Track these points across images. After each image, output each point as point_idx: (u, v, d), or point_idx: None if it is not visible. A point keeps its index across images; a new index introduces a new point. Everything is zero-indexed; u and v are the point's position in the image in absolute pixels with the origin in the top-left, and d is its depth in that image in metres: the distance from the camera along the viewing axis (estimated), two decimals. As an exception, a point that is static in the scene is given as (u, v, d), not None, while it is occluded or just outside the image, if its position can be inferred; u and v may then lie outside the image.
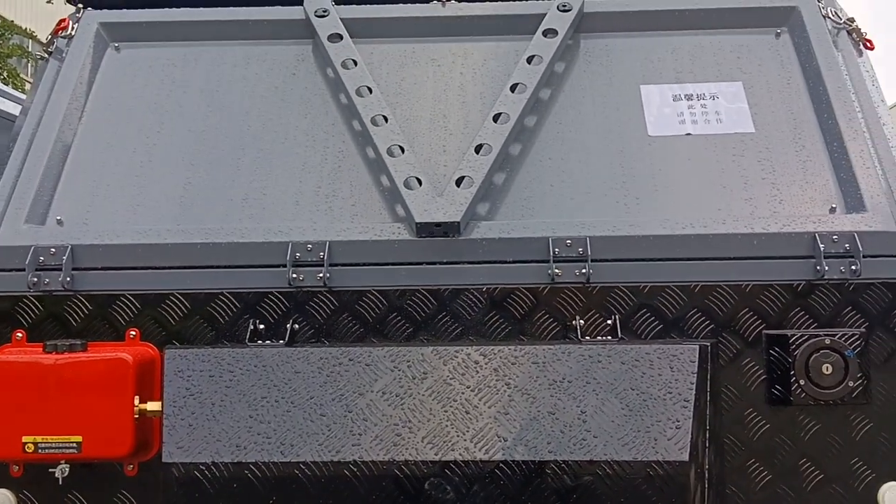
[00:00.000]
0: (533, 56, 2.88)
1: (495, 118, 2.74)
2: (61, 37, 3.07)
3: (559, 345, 2.27)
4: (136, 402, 2.35)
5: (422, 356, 2.25)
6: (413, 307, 2.53)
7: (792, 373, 2.40)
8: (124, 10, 3.14)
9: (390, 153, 2.66)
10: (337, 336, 2.52)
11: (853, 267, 2.46)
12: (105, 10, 3.14)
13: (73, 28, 3.08)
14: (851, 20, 3.04)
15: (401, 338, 2.51)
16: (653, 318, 2.50)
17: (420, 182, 2.59)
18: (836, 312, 2.48)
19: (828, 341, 2.41)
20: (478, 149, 2.66)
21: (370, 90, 2.83)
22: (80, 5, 3.15)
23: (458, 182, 2.59)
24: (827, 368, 2.39)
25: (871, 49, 3.09)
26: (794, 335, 2.43)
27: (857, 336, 2.42)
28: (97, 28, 3.09)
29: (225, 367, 2.25)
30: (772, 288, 2.49)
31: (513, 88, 2.80)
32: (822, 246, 2.47)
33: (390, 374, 2.24)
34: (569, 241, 2.51)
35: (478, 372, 2.24)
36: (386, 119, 2.75)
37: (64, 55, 3.02)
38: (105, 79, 3.02)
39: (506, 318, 2.52)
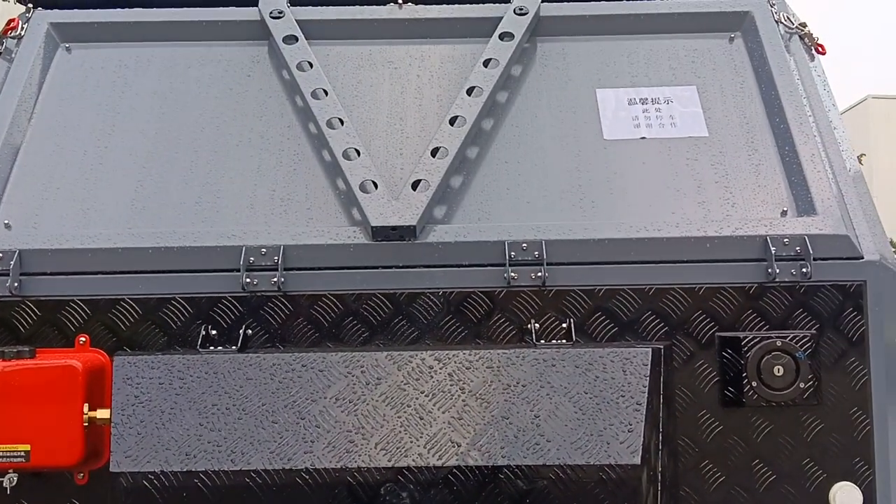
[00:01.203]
0: (489, 59, 2.88)
1: (452, 121, 2.73)
2: (10, 37, 3.01)
3: (514, 349, 2.27)
4: (86, 409, 2.31)
5: (376, 361, 2.24)
6: (369, 311, 2.51)
7: (744, 374, 2.42)
8: (75, 11, 3.09)
9: (346, 156, 2.65)
10: (292, 341, 2.50)
11: (804, 270, 2.49)
12: (56, 10, 3.09)
13: (22, 28, 3.02)
14: (803, 25, 3.08)
15: (357, 342, 2.50)
16: (607, 320, 2.51)
17: (376, 185, 2.58)
18: (787, 314, 2.51)
19: (779, 343, 2.44)
20: (434, 152, 2.66)
21: (326, 92, 2.81)
22: (30, 5, 3.10)
23: (414, 185, 2.59)
24: (778, 370, 2.42)
25: (823, 53, 3.14)
26: (746, 337, 2.45)
27: (807, 338, 2.45)
28: (47, 28, 3.03)
29: (175, 374, 2.22)
30: (724, 290, 2.52)
31: (469, 91, 2.80)
32: (773, 249, 2.50)
33: (343, 379, 2.22)
34: (524, 245, 2.52)
35: (432, 377, 2.23)
36: (342, 122, 2.73)
37: (13, 56, 2.97)
38: (55, 80, 2.97)
39: (462, 322, 2.51)
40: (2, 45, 3.01)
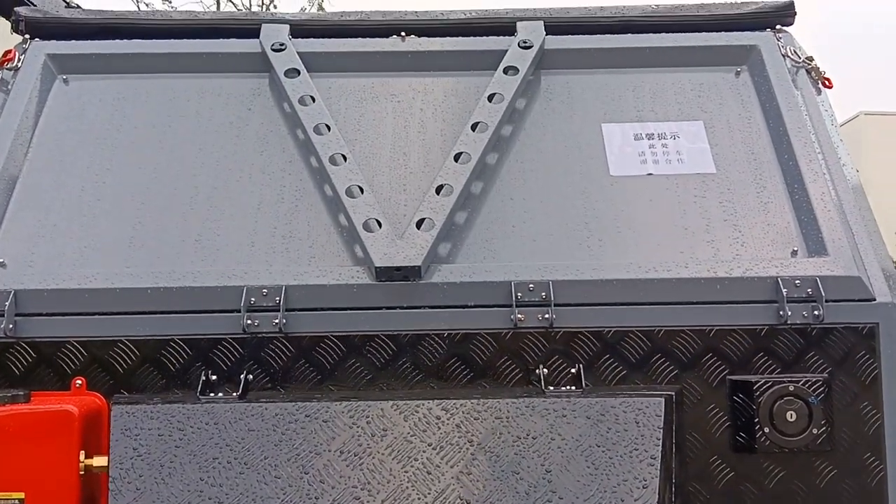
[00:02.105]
0: (494, 94, 2.84)
1: (456, 158, 2.69)
2: (7, 68, 2.96)
3: (523, 398, 2.22)
4: (82, 457, 2.25)
5: (381, 411, 2.18)
6: (372, 353, 2.46)
7: (756, 420, 2.37)
8: (73, 42, 3.04)
9: (349, 193, 2.60)
10: (294, 383, 2.44)
11: (816, 312, 2.45)
12: (53, 42, 3.04)
13: (19, 59, 2.97)
14: (810, 59, 3.04)
15: (360, 385, 2.44)
16: (616, 363, 2.46)
17: (380, 224, 2.53)
18: (799, 357, 2.47)
19: (791, 388, 2.39)
20: (438, 189, 2.61)
21: (328, 127, 2.76)
22: (27, 36, 3.05)
23: (419, 224, 2.54)
24: (791, 416, 2.37)
25: (830, 87, 3.10)
26: (757, 381, 2.40)
27: (820, 382, 2.40)
28: (45, 60, 2.98)
29: (175, 424, 2.16)
30: (735, 332, 2.47)
31: (474, 127, 2.76)
32: (784, 291, 2.45)
33: (348, 430, 2.16)
34: (531, 286, 2.47)
35: (439, 428, 2.18)
36: (345, 158, 2.69)
37: (10, 88, 2.91)
38: (52, 112, 2.91)
39: (468, 364, 2.46)
40: None
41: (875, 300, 2.49)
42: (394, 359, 2.46)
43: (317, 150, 2.71)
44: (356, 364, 2.45)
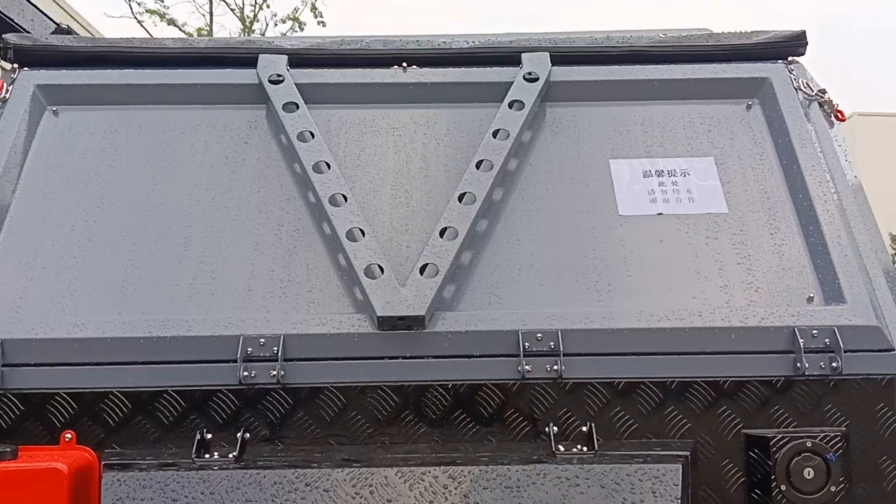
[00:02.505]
0: (499, 130, 2.75)
1: (460, 198, 2.60)
2: None
3: (533, 464, 2.13)
4: (72, 518, 2.15)
5: (385, 479, 2.10)
6: (374, 405, 2.37)
7: (773, 477, 2.29)
8: (63, 71, 2.94)
9: (350, 237, 2.50)
10: (293, 436, 2.35)
11: (833, 364, 2.36)
12: (42, 71, 2.93)
13: (7, 90, 2.87)
14: (823, 91, 2.96)
15: (361, 438, 2.35)
16: (627, 416, 2.37)
17: (382, 269, 2.44)
18: (816, 408, 2.39)
19: (809, 444, 2.31)
20: (442, 232, 2.52)
21: (328, 165, 2.67)
22: (16, 65, 2.94)
23: (422, 269, 2.45)
24: (808, 473, 2.29)
25: (843, 120, 3.02)
26: (774, 437, 2.32)
27: (838, 437, 2.32)
28: (34, 91, 2.88)
29: (169, 494, 2.07)
30: (750, 384, 2.39)
31: (478, 165, 2.67)
32: (801, 341, 2.37)
33: (351, 501, 2.07)
34: (539, 335, 2.38)
35: (446, 498, 2.09)
36: (345, 198, 2.59)
37: None
38: (42, 146, 2.81)
39: (473, 417, 2.37)
40: None
41: (894, 350, 2.40)
42: (396, 411, 2.37)
43: (316, 189, 2.62)
44: (357, 417, 2.36)
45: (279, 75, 2.88)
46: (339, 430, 2.36)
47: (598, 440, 2.30)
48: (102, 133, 2.86)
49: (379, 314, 2.34)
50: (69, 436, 2.35)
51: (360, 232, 2.51)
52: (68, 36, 3.17)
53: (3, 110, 2.83)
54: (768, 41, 3.05)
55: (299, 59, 3.00)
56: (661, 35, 3.10)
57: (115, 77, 2.93)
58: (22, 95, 2.86)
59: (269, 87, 2.85)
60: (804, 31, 3.08)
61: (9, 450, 2.23)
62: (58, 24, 3.79)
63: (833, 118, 2.96)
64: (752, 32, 3.10)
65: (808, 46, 3.10)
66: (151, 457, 2.25)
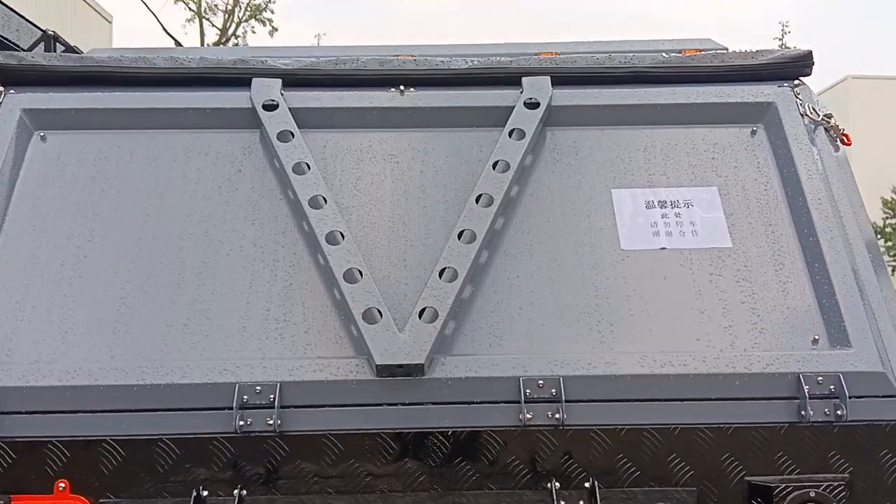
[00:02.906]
0: (498, 161, 2.68)
1: (460, 235, 2.54)
2: None
3: None
4: (66, 576, 2.13)
5: None
6: (373, 452, 2.33)
7: None
8: (51, 94, 2.85)
9: (348, 278, 2.45)
10: (290, 485, 2.32)
11: (839, 411, 2.33)
12: (28, 94, 2.84)
13: None
14: (829, 116, 2.90)
15: (360, 487, 2.32)
16: (630, 463, 2.34)
17: (380, 313, 2.38)
18: (820, 455, 2.36)
19: (812, 494, 2.29)
20: (441, 272, 2.47)
21: (325, 200, 2.60)
22: (1, 88, 2.85)
23: (421, 313, 2.40)
24: None
25: (848, 144, 2.96)
26: (777, 486, 2.30)
27: (841, 485, 2.31)
28: (20, 115, 2.80)
29: None
30: (754, 430, 2.36)
31: (478, 199, 2.61)
32: (806, 388, 2.34)
33: None
34: (541, 382, 2.34)
35: None
36: (343, 235, 2.53)
37: None
38: (30, 175, 2.74)
39: (474, 464, 2.34)
40: None
41: None
42: (396, 459, 2.33)
43: (313, 226, 2.55)
44: (356, 465, 2.33)
45: (273, 101, 2.80)
46: (337, 478, 2.33)
47: (600, 496, 2.27)
48: (92, 160, 2.78)
49: (377, 363, 2.30)
50: (63, 485, 2.31)
51: (357, 272, 2.46)
52: (55, 54, 3.06)
53: None
54: (774, 61, 2.98)
55: (294, 79, 2.92)
56: (664, 55, 3.03)
57: (105, 100, 2.85)
58: (8, 121, 2.77)
59: (262, 114, 2.77)
60: (810, 52, 3.01)
61: (1, 501, 2.20)
62: (43, 31, 3.69)
63: (839, 142, 2.91)
64: (757, 52, 3.02)
65: (814, 66, 3.03)
66: None
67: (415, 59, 2.98)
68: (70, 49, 3.79)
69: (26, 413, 2.32)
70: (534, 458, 2.34)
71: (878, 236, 42.85)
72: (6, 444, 2.31)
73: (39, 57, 3.00)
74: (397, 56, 3.26)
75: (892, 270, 43.67)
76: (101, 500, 2.29)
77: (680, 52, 3.48)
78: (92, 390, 2.32)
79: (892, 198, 42.49)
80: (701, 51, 3.48)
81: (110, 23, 24.62)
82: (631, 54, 3.01)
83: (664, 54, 3.02)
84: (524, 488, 2.33)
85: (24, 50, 3.60)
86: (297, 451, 2.33)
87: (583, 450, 2.35)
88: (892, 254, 43.01)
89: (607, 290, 2.55)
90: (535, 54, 3.43)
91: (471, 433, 2.34)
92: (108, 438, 2.31)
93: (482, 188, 2.62)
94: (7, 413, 2.31)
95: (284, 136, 2.73)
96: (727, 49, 3.64)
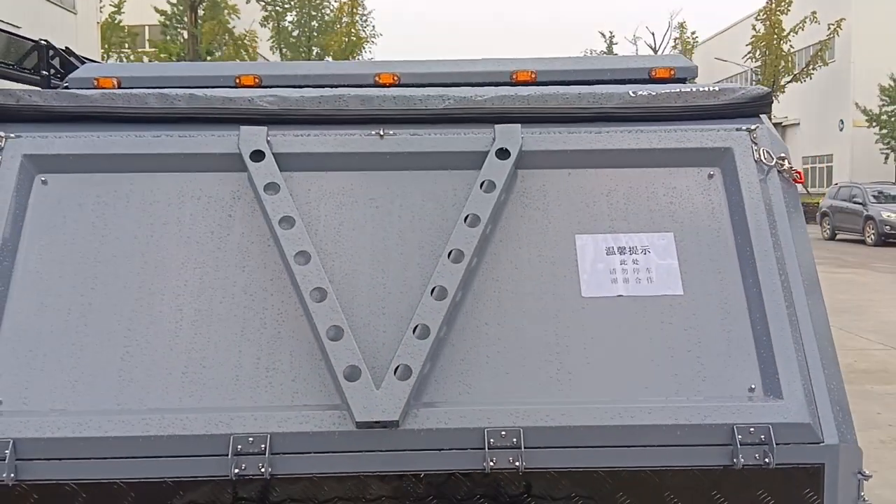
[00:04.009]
0: (469, 216, 2.89)
1: (432, 291, 2.77)
2: None
3: None
4: None
5: None
6: (355, 491, 2.64)
7: None
8: (49, 139, 3.02)
9: (330, 336, 2.69)
10: None
11: (766, 459, 2.63)
12: (28, 138, 3.02)
13: None
14: (782, 158, 3.09)
15: None
16: (582, 500, 2.66)
17: (360, 371, 2.64)
18: (749, 494, 2.67)
19: None
20: (415, 329, 2.71)
21: (310, 256, 2.82)
22: (1, 134, 3.02)
23: (396, 370, 2.66)
24: None
25: (801, 182, 3.17)
26: None
27: None
28: (21, 160, 2.98)
29: None
30: (692, 472, 2.66)
31: (450, 255, 2.83)
32: (739, 437, 2.63)
33: None
34: (503, 433, 2.63)
35: None
36: (325, 293, 2.76)
37: None
38: (34, 222, 2.94)
39: (443, 502, 2.65)
40: None
41: (823, 443, 2.67)
42: (375, 497, 2.64)
43: (298, 280, 2.78)
44: (339, 501, 2.64)
45: (260, 151, 2.98)
46: None
47: None
48: (91, 205, 2.98)
49: (357, 419, 2.58)
50: None
51: (339, 330, 2.70)
52: (51, 92, 3.21)
53: None
54: (733, 101, 3.15)
55: (278, 118, 3.09)
56: (630, 94, 3.19)
57: (100, 145, 3.02)
58: (11, 167, 2.96)
59: (250, 164, 2.96)
60: (769, 92, 3.19)
61: None
62: (36, 42, 3.80)
63: (792, 181, 3.11)
64: (719, 91, 3.19)
65: (772, 105, 3.21)
66: None
67: (395, 98, 3.14)
68: (63, 54, 3.92)
69: (45, 460, 2.61)
70: (496, 496, 2.65)
71: (874, 124, 43.03)
72: (29, 486, 2.60)
73: (37, 96, 3.15)
74: (377, 76, 3.44)
75: (885, 158, 44.04)
76: None
77: (651, 70, 3.65)
78: (101, 441, 2.60)
79: (890, 85, 42.32)
80: (672, 70, 3.64)
81: None
82: (601, 94, 3.17)
83: (631, 93, 3.18)
84: None
85: (17, 66, 3.73)
86: (285, 491, 2.63)
87: (541, 488, 2.65)
88: (885, 141, 43.20)
89: (567, 339, 2.80)
90: (512, 73, 3.61)
91: (441, 476, 2.64)
92: (118, 481, 2.61)
93: (454, 243, 2.84)
94: (29, 459, 2.60)
95: (271, 187, 2.93)
96: (696, 66, 3.80)
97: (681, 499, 2.67)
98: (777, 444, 2.63)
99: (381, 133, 3.07)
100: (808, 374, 2.75)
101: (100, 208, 2.98)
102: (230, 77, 3.61)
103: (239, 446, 2.60)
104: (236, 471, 2.58)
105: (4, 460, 2.56)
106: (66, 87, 3.59)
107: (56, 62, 3.99)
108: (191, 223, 2.97)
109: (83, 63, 4.03)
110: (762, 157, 3.05)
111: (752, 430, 2.64)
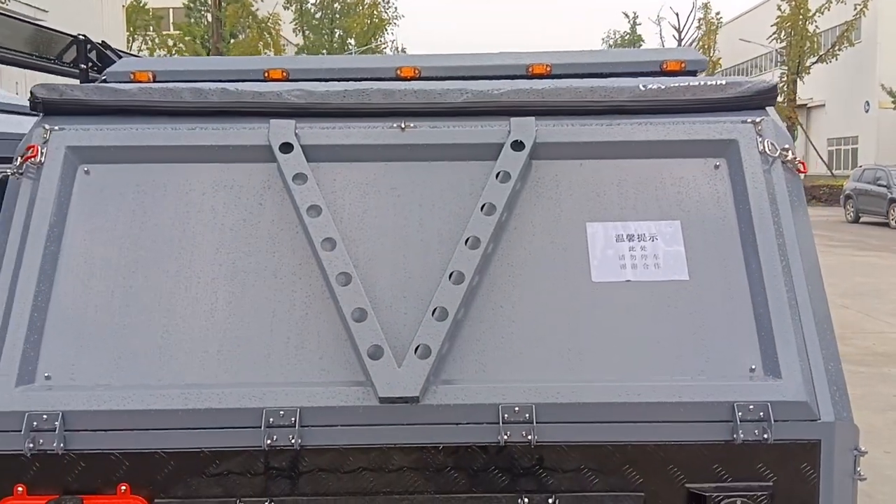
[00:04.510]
0: (486, 204, 3.06)
1: (450, 276, 2.95)
2: (31, 164, 3.15)
3: None
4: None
5: None
6: (378, 462, 2.83)
7: None
8: (91, 131, 3.21)
9: (354, 318, 2.88)
10: (311, 488, 2.83)
11: (765, 434, 2.79)
12: (70, 131, 3.21)
13: (41, 153, 3.16)
14: (786, 149, 3.23)
15: (367, 490, 2.83)
16: (591, 472, 2.83)
17: (382, 351, 2.83)
18: (749, 467, 2.84)
19: (739, 501, 2.78)
20: (434, 311, 2.89)
21: (336, 243, 3.00)
22: (45, 127, 3.21)
23: (417, 349, 2.84)
24: None
25: (805, 172, 3.31)
26: (710, 492, 2.79)
27: (765, 493, 2.79)
28: (65, 152, 3.18)
29: None
30: (694, 447, 2.83)
31: (467, 241, 3.00)
32: (739, 414, 2.79)
33: None
34: (517, 408, 2.80)
35: None
36: (350, 277, 2.94)
37: (38, 184, 3.12)
38: (78, 208, 3.14)
39: (461, 472, 2.84)
40: (21, 172, 3.14)
41: (819, 420, 2.83)
42: (397, 468, 2.83)
43: (324, 265, 2.96)
44: (363, 472, 2.83)
45: (288, 144, 3.16)
46: (348, 482, 2.83)
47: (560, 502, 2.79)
48: (131, 193, 3.18)
49: (380, 395, 2.76)
50: (124, 487, 2.83)
51: (363, 312, 2.89)
52: (91, 86, 3.40)
53: (40, 174, 3.14)
54: (741, 95, 3.29)
55: (306, 112, 3.27)
56: (641, 87, 3.33)
57: (139, 138, 3.21)
58: (56, 158, 3.16)
59: (279, 156, 3.14)
60: (774, 86, 3.32)
61: (75, 501, 2.73)
62: (74, 37, 4.00)
63: (795, 171, 3.26)
64: (727, 84, 3.33)
65: (777, 96, 3.35)
66: None
67: (415, 92, 3.31)
68: (100, 48, 4.11)
69: (92, 431, 2.82)
70: (511, 466, 2.84)
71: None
72: (77, 455, 2.82)
73: (78, 90, 3.34)
74: (399, 69, 3.62)
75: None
76: (156, 500, 2.81)
77: (662, 63, 3.79)
78: (144, 413, 2.81)
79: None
80: (683, 63, 3.79)
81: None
82: (612, 87, 3.32)
83: (641, 87, 3.33)
84: (501, 492, 2.84)
85: (57, 60, 3.93)
86: (316, 461, 2.83)
87: (552, 460, 2.83)
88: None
89: (577, 321, 2.97)
90: (528, 67, 3.76)
91: (458, 448, 2.83)
92: (159, 451, 2.82)
93: (471, 231, 3.01)
94: (77, 430, 2.81)
95: (299, 178, 3.11)
96: (706, 59, 3.94)
97: (684, 472, 2.84)
98: (775, 421, 2.79)
99: (403, 126, 3.24)
100: (807, 355, 2.90)
101: (139, 197, 3.17)
102: (259, 71, 3.79)
103: (271, 419, 2.79)
104: (268, 441, 2.78)
105: (54, 431, 2.77)
106: (104, 81, 3.78)
107: (93, 55, 4.18)
108: (224, 211, 3.15)
109: (119, 57, 4.22)
110: (766, 149, 3.19)
111: (751, 407, 2.80)
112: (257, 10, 44.46)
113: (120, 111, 3.30)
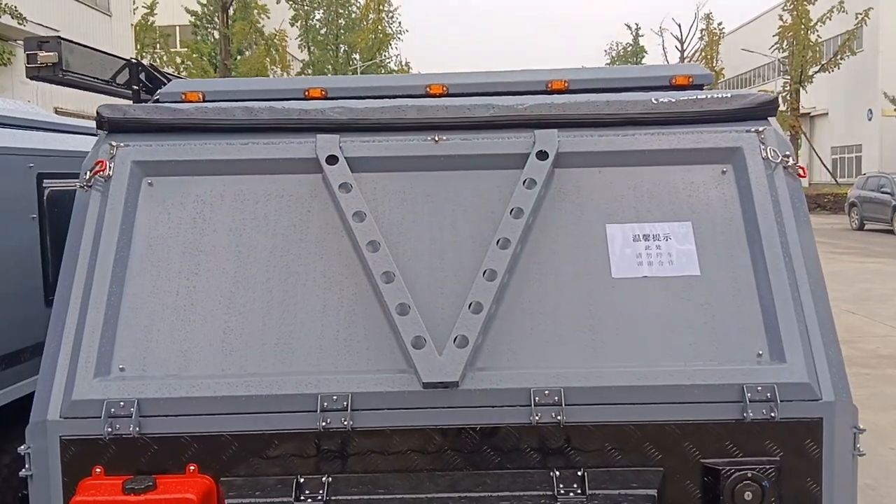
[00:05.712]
0: (514, 209, 3.37)
1: (485, 273, 3.25)
2: (100, 177, 3.47)
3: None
4: (201, 534, 2.98)
5: None
6: (422, 442, 3.13)
7: (721, 498, 3.08)
8: (153, 147, 3.53)
9: (399, 311, 3.18)
10: (361, 466, 3.13)
11: (772, 413, 3.09)
12: (134, 147, 3.53)
13: (109, 168, 3.48)
14: (787, 155, 3.54)
15: (412, 467, 3.13)
16: (614, 449, 3.13)
17: (424, 340, 3.13)
18: (758, 444, 3.13)
19: (749, 474, 3.08)
20: (470, 305, 3.20)
21: (379, 245, 3.31)
22: (112, 143, 3.53)
23: (455, 340, 3.14)
24: (748, 495, 3.07)
25: (804, 177, 3.62)
26: (723, 468, 3.09)
27: (773, 466, 3.09)
28: (131, 166, 3.50)
29: None
30: (709, 426, 3.13)
31: (499, 242, 3.31)
32: (748, 395, 3.09)
33: None
34: (547, 391, 3.11)
35: None
36: (394, 275, 3.25)
37: (107, 196, 3.43)
38: (144, 219, 3.46)
39: (497, 451, 3.14)
40: (90, 185, 3.46)
41: (821, 399, 3.12)
42: (438, 447, 3.13)
43: (370, 265, 3.28)
44: (408, 451, 3.13)
45: (334, 156, 3.48)
46: (395, 460, 3.14)
47: (588, 476, 3.09)
48: (191, 203, 3.49)
49: (424, 380, 3.07)
50: (192, 467, 3.13)
51: (406, 307, 3.20)
52: (151, 105, 3.72)
53: (108, 187, 3.46)
54: (744, 107, 3.60)
55: (348, 126, 3.59)
56: (653, 101, 3.65)
57: (198, 152, 3.53)
58: (123, 172, 3.48)
59: (326, 168, 3.46)
60: (775, 98, 3.64)
61: (150, 483, 3.03)
62: (127, 60, 4.32)
63: (796, 175, 3.56)
64: (732, 97, 3.64)
65: (778, 108, 3.67)
66: (259, 491, 3.04)
67: (447, 108, 3.62)
68: (151, 71, 4.44)
69: (163, 416, 3.12)
70: (541, 446, 3.14)
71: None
72: (150, 438, 3.12)
73: (139, 110, 3.66)
74: (429, 87, 3.94)
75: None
76: (221, 478, 3.11)
77: (672, 78, 4.11)
78: (211, 400, 3.11)
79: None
80: (691, 78, 4.10)
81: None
82: (626, 100, 3.63)
83: (653, 100, 3.64)
84: (534, 468, 3.13)
85: (111, 82, 4.26)
86: (366, 441, 3.13)
87: (579, 439, 3.13)
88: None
89: (599, 313, 3.28)
90: (548, 83, 4.08)
91: (494, 428, 3.13)
92: (224, 434, 3.12)
93: (502, 233, 3.32)
94: (150, 416, 3.12)
95: (345, 187, 3.43)
96: (712, 74, 4.26)
97: (699, 449, 3.13)
98: (781, 401, 3.09)
99: (436, 138, 3.56)
100: (809, 341, 3.20)
101: (199, 206, 3.49)
102: (299, 90, 4.11)
103: (325, 403, 3.10)
104: (323, 424, 3.09)
105: (130, 417, 3.08)
106: (157, 101, 4.11)
107: (143, 76, 4.50)
108: (276, 218, 3.47)
109: (168, 80, 4.55)
110: (769, 156, 3.50)
111: (759, 388, 3.10)
112: (263, 26, 45.01)
113: (178, 128, 3.62)
